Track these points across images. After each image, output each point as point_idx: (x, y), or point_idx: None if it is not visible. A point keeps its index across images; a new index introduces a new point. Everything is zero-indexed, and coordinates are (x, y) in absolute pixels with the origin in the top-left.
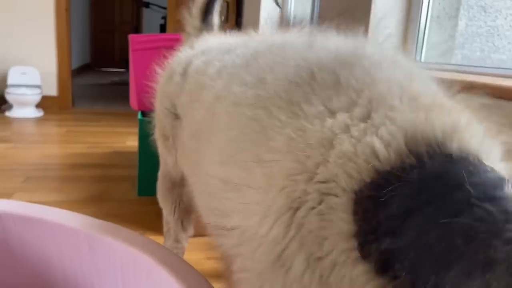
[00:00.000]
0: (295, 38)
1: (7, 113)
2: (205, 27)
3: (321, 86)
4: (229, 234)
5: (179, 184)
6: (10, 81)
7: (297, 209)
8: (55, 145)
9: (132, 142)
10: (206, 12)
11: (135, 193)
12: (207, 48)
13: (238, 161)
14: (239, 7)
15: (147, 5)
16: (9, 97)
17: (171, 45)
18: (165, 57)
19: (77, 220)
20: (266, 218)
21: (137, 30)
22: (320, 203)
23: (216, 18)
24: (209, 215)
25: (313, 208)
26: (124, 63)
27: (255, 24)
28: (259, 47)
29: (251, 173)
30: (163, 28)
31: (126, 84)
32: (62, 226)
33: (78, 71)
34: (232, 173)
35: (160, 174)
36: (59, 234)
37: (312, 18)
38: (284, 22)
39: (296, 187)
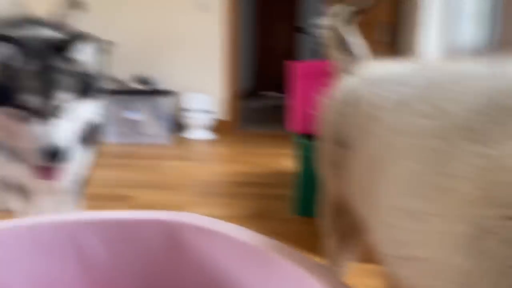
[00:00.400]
0: (475, 66)
1: (185, 135)
2: (354, 53)
3: (504, 113)
4: (411, 264)
5: (343, 211)
6: (188, 106)
7: (485, 238)
8: (223, 164)
9: (286, 163)
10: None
11: (292, 212)
12: (377, 78)
13: (420, 192)
14: (394, 30)
15: (302, 30)
16: (187, 121)
17: (332, 72)
18: (328, 84)
19: (246, 234)
20: (455, 248)
21: (292, 55)
22: (507, 230)
23: (362, 43)
24: (388, 245)
25: (500, 235)
26: (282, 87)
27: (414, 49)
28: (435, 77)
29: (434, 202)
30: (315, 54)
31: (283, 107)
32: (231, 239)
33: (245, 95)
34: (413, 204)
35: (323, 199)
36: (228, 246)
37: (491, 44)
38: (456, 49)
39: (483, 215)
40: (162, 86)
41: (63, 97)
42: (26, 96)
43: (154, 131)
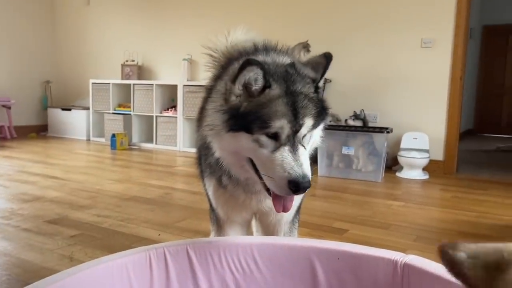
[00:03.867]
0: None
1: (398, 174)
2: None
3: None
4: None
5: None
6: (403, 145)
7: None
8: (441, 208)
9: None
10: None
11: None
12: None
13: None
14: None
15: None
16: (400, 160)
17: None
18: None
19: None
20: None
21: None
22: None
23: None
24: None
25: None
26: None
27: None
28: None
29: None
30: None
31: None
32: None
33: (462, 136)
34: None
35: None
36: None
37: None
38: None
39: None
40: (378, 123)
41: (310, 124)
42: (279, 119)
43: (367, 167)
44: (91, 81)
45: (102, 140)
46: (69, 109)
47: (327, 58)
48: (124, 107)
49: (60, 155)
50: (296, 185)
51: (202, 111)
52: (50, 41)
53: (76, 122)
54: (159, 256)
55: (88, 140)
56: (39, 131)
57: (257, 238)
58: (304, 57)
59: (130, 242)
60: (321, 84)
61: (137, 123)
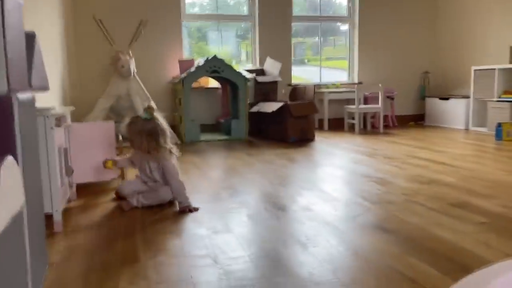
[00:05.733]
0: None
1: None
2: None
3: None
4: None
5: None
6: None
7: None
8: None
9: None
10: None
11: None
12: None
13: None
14: None
15: None
16: None
17: None
18: None
19: None
20: None
21: None
22: None
23: None
24: None
25: None
26: None
27: None
28: None
29: None
30: None
31: None
32: None
33: None
34: None
35: None
36: None
37: None
38: None
39: None
40: None
41: None
42: None
43: None
44: (473, 67)
45: (483, 129)
46: (447, 98)
47: None
48: (511, 94)
49: (442, 143)
50: None
51: None
52: (431, 31)
53: (454, 111)
54: None
55: (467, 129)
56: (417, 120)
57: None
58: None
59: None
60: None
61: None
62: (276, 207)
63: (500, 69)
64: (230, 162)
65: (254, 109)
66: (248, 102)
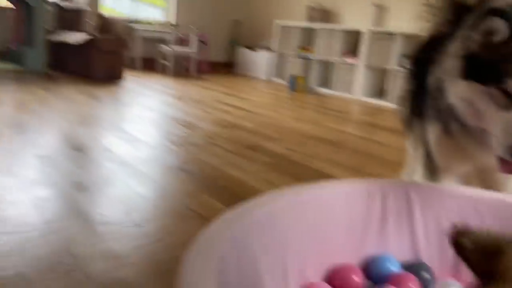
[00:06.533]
0: None
1: None
2: None
3: None
4: None
5: None
6: None
7: None
8: None
9: None
10: None
11: None
12: None
13: None
14: None
15: None
16: None
17: None
18: None
19: None
20: None
21: None
22: None
23: None
24: None
25: None
26: None
27: None
28: None
29: None
30: None
31: None
32: None
33: None
34: None
35: None
36: None
37: None
38: None
39: None
40: None
41: None
42: None
43: None
44: (276, 22)
45: (282, 81)
46: (254, 49)
47: None
48: (306, 50)
49: (247, 91)
50: None
51: (425, 54)
52: None
53: (260, 61)
54: (379, 190)
55: (269, 80)
56: (228, 67)
57: (484, 192)
58: None
59: (319, 177)
60: None
61: (316, 66)
62: (72, 148)
63: (298, 27)
64: (20, 96)
65: (55, 38)
66: (48, 29)
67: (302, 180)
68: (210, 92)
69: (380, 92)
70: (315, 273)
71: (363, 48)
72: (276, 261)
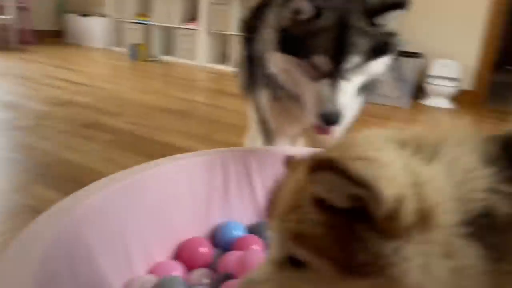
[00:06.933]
0: None
1: (424, 101)
2: None
3: None
4: None
5: None
6: (431, 72)
7: None
8: None
9: None
10: None
11: None
12: None
13: None
14: None
15: None
16: (428, 87)
17: None
18: None
19: None
20: None
21: None
22: None
23: None
24: None
25: None
26: None
27: None
28: None
29: None
30: None
31: None
32: None
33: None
34: None
35: None
36: None
37: None
38: None
39: None
40: (408, 48)
41: (356, 61)
42: (319, 54)
43: (393, 93)
44: None
45: (121, 49)
46: (86, 15)
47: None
48: (144, 17)
49: (82, 62)
50: (325, 119)
51: (253, 22)
52: None
53: (94, 29)
54: (219, 160)
55: (106, 48)
56: (56, 36)
57: (307, 149)
58: None
59: (167, 151)
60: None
61: (157, 34)
62: None
63: None
64: None
65: None
66: None
67: (148, 155)
68: (37, 66)
69: (223, 57)
70: (162, 252)
71: (203, 13)
72: (116, 247)
